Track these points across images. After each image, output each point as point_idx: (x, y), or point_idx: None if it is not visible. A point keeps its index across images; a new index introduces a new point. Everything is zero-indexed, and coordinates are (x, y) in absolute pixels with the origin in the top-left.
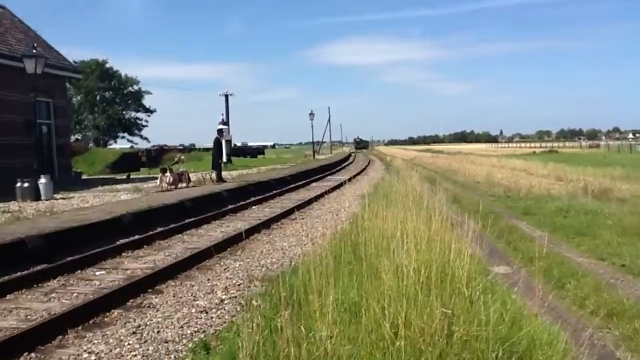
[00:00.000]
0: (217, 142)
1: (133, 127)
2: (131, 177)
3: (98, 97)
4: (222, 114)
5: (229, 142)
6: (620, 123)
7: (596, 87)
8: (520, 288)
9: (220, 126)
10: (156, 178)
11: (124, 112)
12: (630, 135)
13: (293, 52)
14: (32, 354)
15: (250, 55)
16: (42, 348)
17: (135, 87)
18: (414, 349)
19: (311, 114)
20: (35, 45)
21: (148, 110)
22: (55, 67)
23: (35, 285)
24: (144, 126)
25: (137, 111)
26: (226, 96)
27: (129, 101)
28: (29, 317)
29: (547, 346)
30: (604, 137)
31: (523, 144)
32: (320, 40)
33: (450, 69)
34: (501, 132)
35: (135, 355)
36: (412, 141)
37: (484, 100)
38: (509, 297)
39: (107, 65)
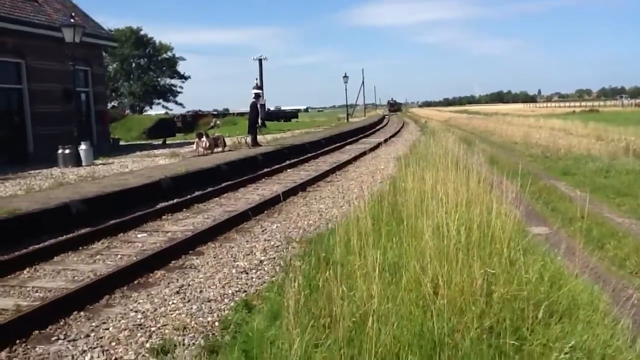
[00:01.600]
0: (254, 106)
1: (168, 94)
2: (167, 142)
3: (133, 65)
4: (257, 79)
5: (262, 106)
6: None
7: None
8: (559, 249)
9: (256, 91)
10: (192, 143)
11: (159, 79)
12: None
13: (327, 15)
14: (82, 313)
15: (284, 19)
16: (90, 307)
17: (169, 54)
18: (454, 308)
19: (345, 76)
20: (73, 14)
21: (182, 77)
22: (92, 35)
23: (80, 248)
24: (179, 92)
25: (172, 78)
26: (260, 61)
27: (164, 68)
28: (76, 278)
29: (588, 306)
30: None
31: (562, 104)
32: (355, 1)
33: (486, 27)
34: (539, 91)
35: (180, 314)
36: (447, 102)
37: (522, 59)
38: (548, 258)
39: (142, 33)
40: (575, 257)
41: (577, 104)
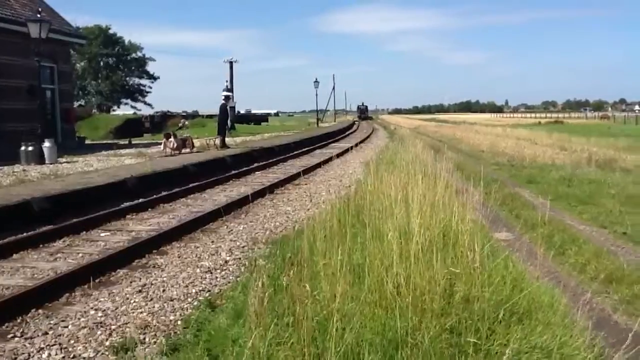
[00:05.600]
0: (223, 108)
1: (136, 94)
2: (135, 142)
3: (101, 64)
4: (227, 81)
5: (232, 109)
6: (626, 94)
7: (603, 58)
8: (521, 253)
9: (226, 93)
10: (160, 144)
11: (128, 79)
12: (637, 107)
13: (299, 20)
14: (40, 310)
15: (255, 22)
16: (49, 305)
17: (139, 54)
18: (415, 308)
19: (316, 81)
20: (40, 9)
21: (151, 77)
22: (59, 32)
23: (41, 246)
24: (148, 92)
25: (141, 77)
26: (231, 63)
27: (133, 67)
28: (35, 275)
29: (548, 308)
30: (610, 108)
31: (528, 115)
32: (327, 7)
33: (456, 38)
34: (506, 102)
35: (142, 312)
36: (416, 110)
37: (490, 70)
38: (510, 262)
39: (111, 32)
40: (537, 262)
41: (543, 115)
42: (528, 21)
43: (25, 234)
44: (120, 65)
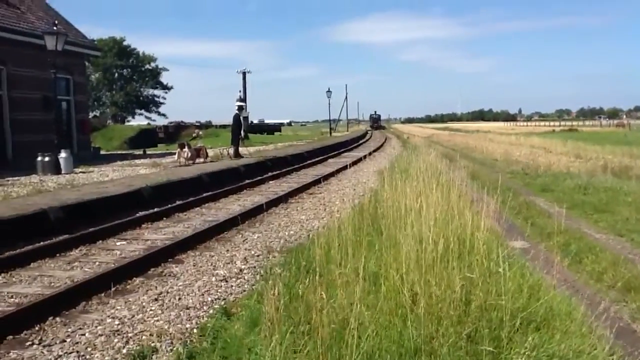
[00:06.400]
0: (237, 118)
1: (150, 104)
2: (149, 153)
3: (116, 75)
4: (240, 91)
5: (245, 118)
6: None
7: (617, 65)
8: (538, 262)
9: (239, 103)
10: (174, 154)
11: (142, 89)
12: None
13: (311, 30)
14: (57, 318)
15: (269, 33)
16: (66, 313)
17: (153, 65)
18: (432, 316)
19: (328, 91)
20: (56, 22)
21: (165, 87)
22: (75, 44)
23: (57, 255)
24: (161, 103)
25: (155, 88)
26: (244, 73)
27: (147, 78)
28: (52, 284)
29: (565, 316)
30: (624, 116)
31: (542, 123)
32: (339, 18)
33: (469, 47)
34: (520, 110)
35: (158, 321)
36: (429, 119)
37: (503, 79)
38: (527, 270)
39: (125, 43)
40: (553, 270)
41: (557, 123)
42: (541, 29)
43: (42, 243)
44: (134, 77)
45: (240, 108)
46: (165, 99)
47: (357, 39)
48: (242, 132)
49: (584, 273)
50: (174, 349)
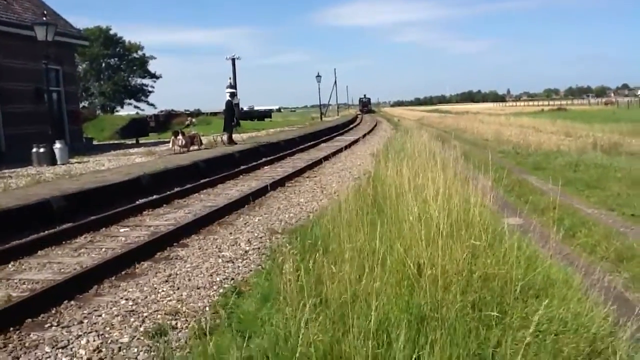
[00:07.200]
0: (229, 105)
1: (139, 93)
2: (141, 142)
3: (103, 65)
4: (230, 78)
5: (237, 105)
6: (629, 79)
7: (604, 44)
8: (534, 235)
9: (231, 90)
10: (166, 142)
11: (130, 79)
12: None
13: (299, 15)
14: (72, 302)
15: (257, 19)
16: (80, 297)
17: (140, 53)
18: (437, 286)
19: (318, 76)
20: (44, 12)
21: (154, 76)
22: (64, 34)
23: (63, 242)
24: (150, 92)
25: (143, 77)
26: (233, 60)
27: (134, 67)
28: (62, 270)
29: (562, 284)
30: (612, 94)
31: (531, 103)
32: (327, 2)
33: (457, 28)
34: (508, 91)
35: (171, 300)
36: (418, 102)
37: (491, 60)
38: (523, 243)
39: (111, 32)
40: (548, 244)
41: (546, 102)
42: (528, 9)
43: (47, 232)
44: (122, 66)
45: (232, 95)
46: (153, 87)
47: (345, 23)
48: (234, 118)
49: (577, 246)
50: (189, 326)
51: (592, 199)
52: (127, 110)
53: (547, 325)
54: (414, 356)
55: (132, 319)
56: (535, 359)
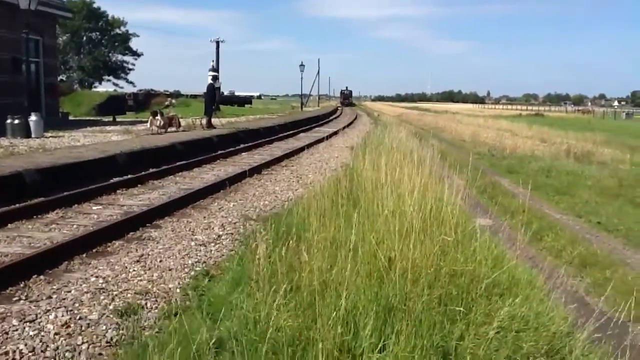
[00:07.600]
0: (211, 88)
1: (119, 70)
2: (119, 120)
3: (84, 38)
4: (213, 61)
5: (218, 89)
6: (606, 90)
7: (585, 54)
8: (502, 237)
9: (213, 73)
10: (144, 122)
11: (110, 54)
12: (616, 103)
13: (285, 3)
14: (42, 277)
15: (241, 3)
16: (49, 272)
17: (122, 29)
18: (406, 280)
19: (301, 65)
20: None
21: (135, 54)
22: (46, 4)
23: (34, 217)
24: (130, 70)
25: (124, 54)
26: (217, 43)
27: (116, 43)
28: (32, 244)
29: (526, 284)
30: (589, 103)
31: (510, 106)
32: None
33: (443, 27)
34: (488, 93)
35: (141, 280)
36: (399, 98)
37: (474, 61)
38: (492, 243)
39: (95, 5)
40: (515, 245)
41: (524, 107)
42: (513, 13)
43: (18, 205)
44: (103, 41)
45: (215, 78)
46: (134, 65)
47: (331, 14)
48: (215, 102)
49: (544, 250)
50: (159, 306)
51: (561, 204)
52: (105, 87)
53: (509, 322)
54: (380, 345)
55: (101, 297)
56: (496, 354)
